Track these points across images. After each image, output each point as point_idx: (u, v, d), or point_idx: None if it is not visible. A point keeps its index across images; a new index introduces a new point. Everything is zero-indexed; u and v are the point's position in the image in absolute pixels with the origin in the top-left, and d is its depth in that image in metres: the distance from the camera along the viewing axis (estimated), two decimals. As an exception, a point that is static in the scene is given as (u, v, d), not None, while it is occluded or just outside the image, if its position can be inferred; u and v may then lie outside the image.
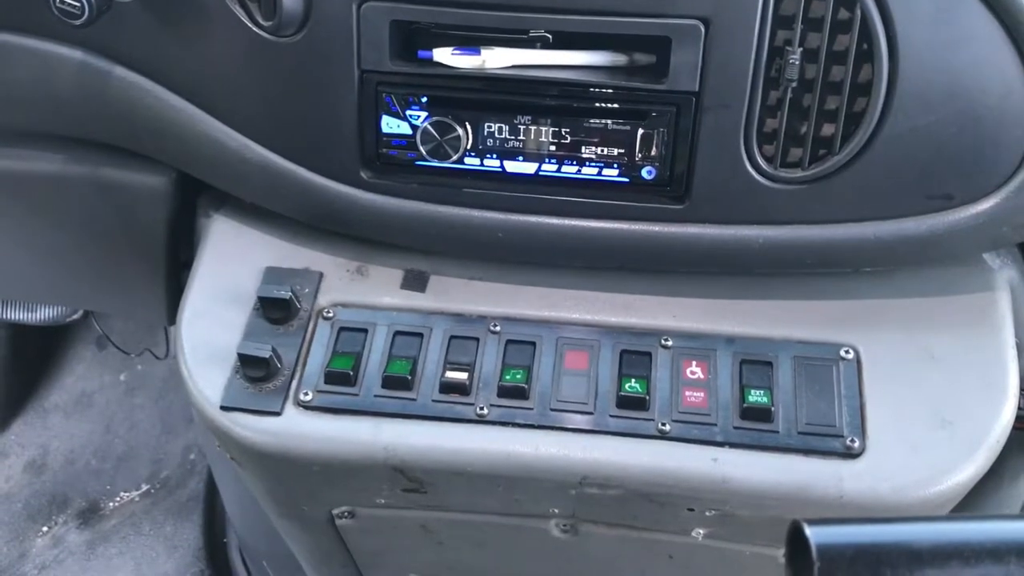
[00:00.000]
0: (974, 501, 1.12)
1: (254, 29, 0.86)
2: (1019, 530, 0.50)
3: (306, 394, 0.90)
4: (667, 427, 0.86)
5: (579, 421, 0.88)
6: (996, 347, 0.90)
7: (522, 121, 0.87)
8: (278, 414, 0.89)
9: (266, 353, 0.89)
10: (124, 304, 1.33)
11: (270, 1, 0.85)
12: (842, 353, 0.89)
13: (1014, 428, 0.89)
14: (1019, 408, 0.91)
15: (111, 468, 1.98)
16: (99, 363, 2.11)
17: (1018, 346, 0.92)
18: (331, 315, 0.95)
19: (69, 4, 0.82)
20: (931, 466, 0.84)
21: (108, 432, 2.03)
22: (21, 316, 1.85)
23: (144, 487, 1.95)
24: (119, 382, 2.09)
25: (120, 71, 0.94)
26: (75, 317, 1.90)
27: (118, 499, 1.94)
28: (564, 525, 0.98)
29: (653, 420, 0.87)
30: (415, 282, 0.97)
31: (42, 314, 1.86)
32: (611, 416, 0.88)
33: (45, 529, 1.89)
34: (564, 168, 0.89)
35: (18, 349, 2.02)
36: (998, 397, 0.87)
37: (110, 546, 1.86)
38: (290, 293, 0.93)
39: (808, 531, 0.43)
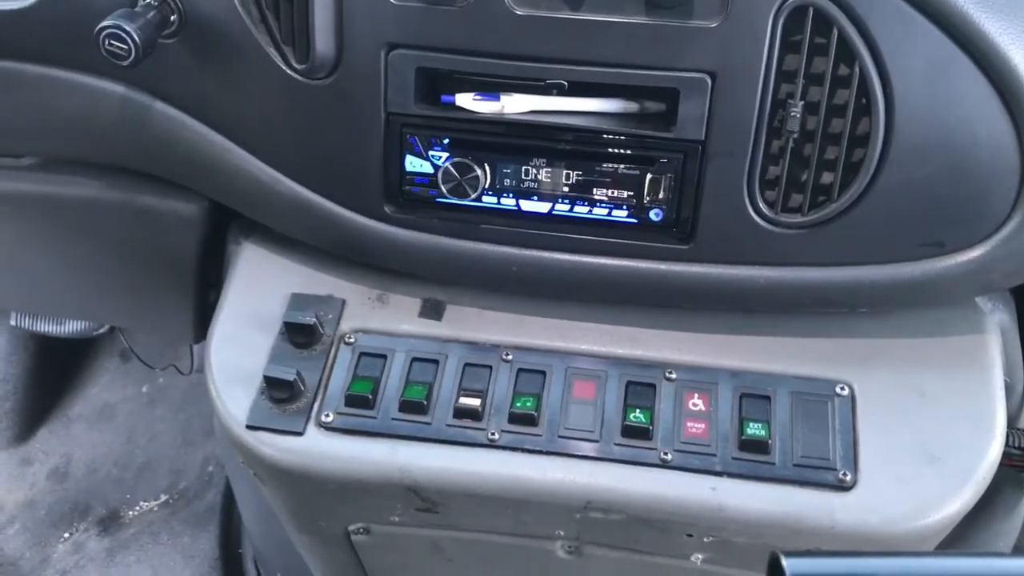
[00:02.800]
0: (969, 535, 1.15)
1: (288, 72, 0.91)
2: (989, 566, 0.54)
3: (327, 416, 0.94)
4: (669, 456, 0.90)
5: (585, 448, 0.91)
6: (985, 387, 0.93)
7: (537, 163, 0.92)
8: (300, 434, 0.94)
9: (291, 376, 0.94)
10: (153, 321, 1.36)
11: (304, 46, 0.89)
12: (837, 390, 0.93)
13: (1002, 464, 0.93)
14: (1006, 446, 0.94)
15: (131, 478, 2.02)
16: (122, 375, 2.15)
17: (1007, 387, 0.95)
18: (352, 340, 0.99)
19: (117, 47, 0.86)
20: (919, 500, 0.87)
21: (129, 443, 2.07)
22: (49, 328, 1.90)
23: (163, 497, 1.99)
24: (141, 394, 2.14)
25: (160, 106, 0.99)
26: (101, 331, 1.95)
27: (137, 508, 1.98)
28: (569, 547, 1.02)
29: (656, 449, 0.91)
30: (432, 311, 1.01)
31: (69, 327, 1.90)
32: (616, 444, 0.91)
33: (67, 535, 1.93)
34: (576, 208, 0.93)
35: (45, 360, 2.07)
36: (986, 435, 0.90)
37: (128, 554, 1.90)
38: (314, 319, 0.98)
39: (785, 562, 0.47)
